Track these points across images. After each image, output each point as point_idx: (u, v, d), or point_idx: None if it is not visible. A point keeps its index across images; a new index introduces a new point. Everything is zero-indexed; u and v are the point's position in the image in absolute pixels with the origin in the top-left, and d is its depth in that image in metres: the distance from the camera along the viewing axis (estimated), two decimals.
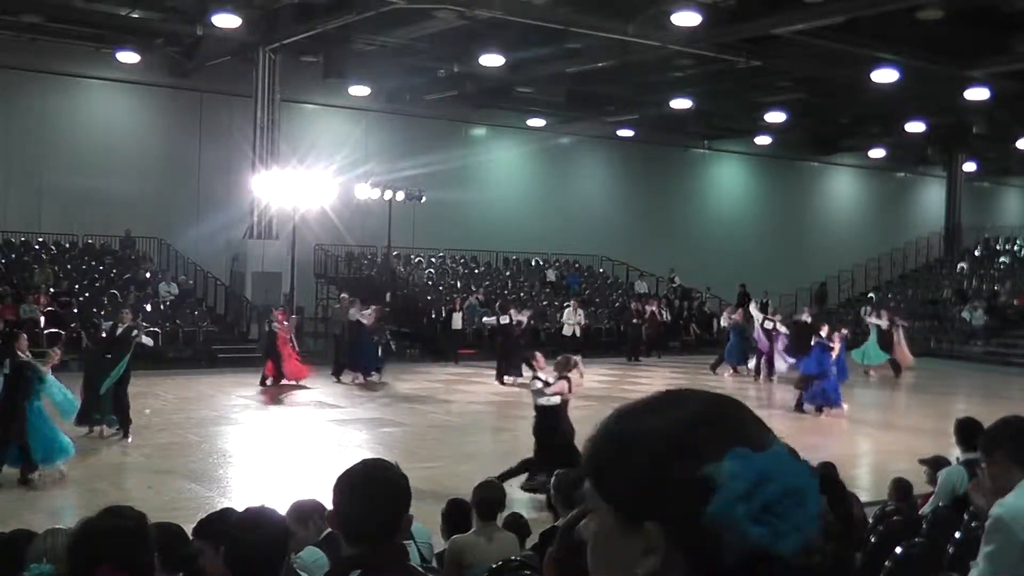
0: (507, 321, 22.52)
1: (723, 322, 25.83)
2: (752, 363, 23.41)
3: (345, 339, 21.74)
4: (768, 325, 22.77)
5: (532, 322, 24.96)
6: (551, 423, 10.99)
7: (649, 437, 1.07)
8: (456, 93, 30.66)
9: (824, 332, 18.40)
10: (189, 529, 5.64)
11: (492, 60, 25.64)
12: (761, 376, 22.86)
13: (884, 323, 25.36)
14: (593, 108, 33.36)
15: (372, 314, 21.64)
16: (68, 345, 22.16)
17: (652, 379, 22.54)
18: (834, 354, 18.02)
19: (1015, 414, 3.44)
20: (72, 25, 25.61)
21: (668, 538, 1.03)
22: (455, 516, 6.51)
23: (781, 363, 22.52)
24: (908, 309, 34.69)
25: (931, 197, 44.96)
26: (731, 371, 24.02)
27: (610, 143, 37.80)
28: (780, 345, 22.59)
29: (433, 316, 27.89)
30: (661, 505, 1.04)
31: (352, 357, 21.42)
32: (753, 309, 24.09)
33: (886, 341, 25.07)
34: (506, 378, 21.26)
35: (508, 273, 33.85)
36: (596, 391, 21.07)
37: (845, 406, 17.63)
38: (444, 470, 12.04)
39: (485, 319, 23.38)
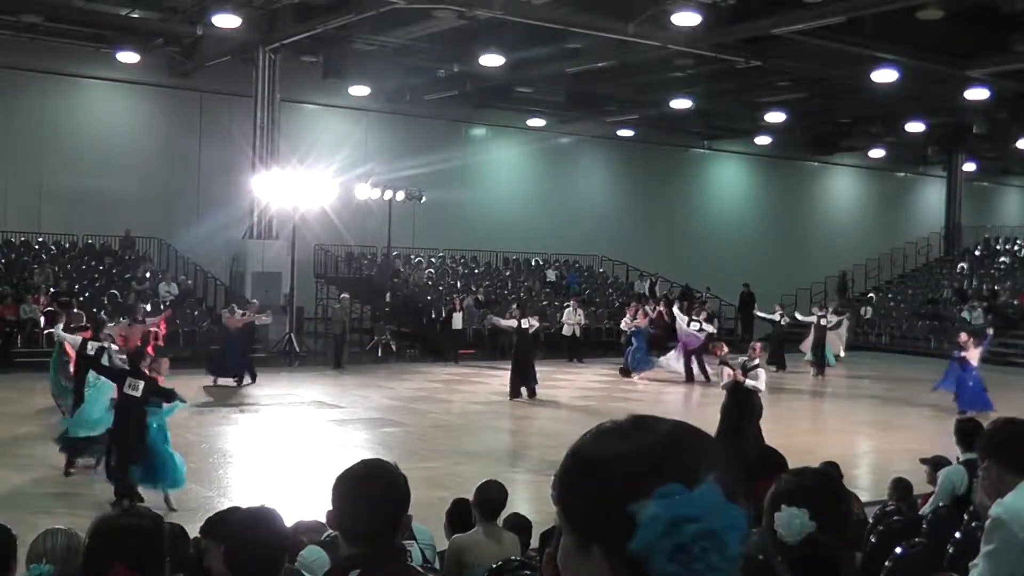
0: (526, 325, 21.79)
1: (623, 326, 24.54)
2: (677, 364, 22.60)
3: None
4: (694, 326, 22.66)
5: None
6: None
7: (598, 466, 1.15)
8: (456, 93, 30.66)
9: (963, 339, 18.43)
10: (189, 529, 5.64)
11: (492, 60, 25.64)
12: (696, 376, 22.30)
13: (813, 319, 25.16)
14: (593, 108, 33.37)
15: (241, 316, 20.74)
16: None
17: (651, 379, 22.55)
18: (974, 360, 17.90)
19: (1009, 418, 3.45)
20: (72, 25, 25.61)
21: (609, 562, 1.11)
22: (457, 516, 6.52)
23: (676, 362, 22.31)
24: (908, 309, 34.75)
25: (931, 197, 44.95)
26: (643, 376, 22.83)
27: (610, 143, 37.80)
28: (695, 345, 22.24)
29: (433, 316, 27.91)
30: (600, 532, 1.13)
31: (221, 362, 20.32)
32: (676, 311, 23.76)
33: (819, 337, 24.86)
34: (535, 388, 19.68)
35: (508, 273, 33.85)
36: (596, 391, 21.08)
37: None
38: (444, 470, 12.04)
39: (501, 321, 22.83)
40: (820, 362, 24.62)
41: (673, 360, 22.59)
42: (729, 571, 1.08)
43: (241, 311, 21.11)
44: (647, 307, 25.21)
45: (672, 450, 1.13)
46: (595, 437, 1.18)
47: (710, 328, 23.03)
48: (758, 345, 13.55)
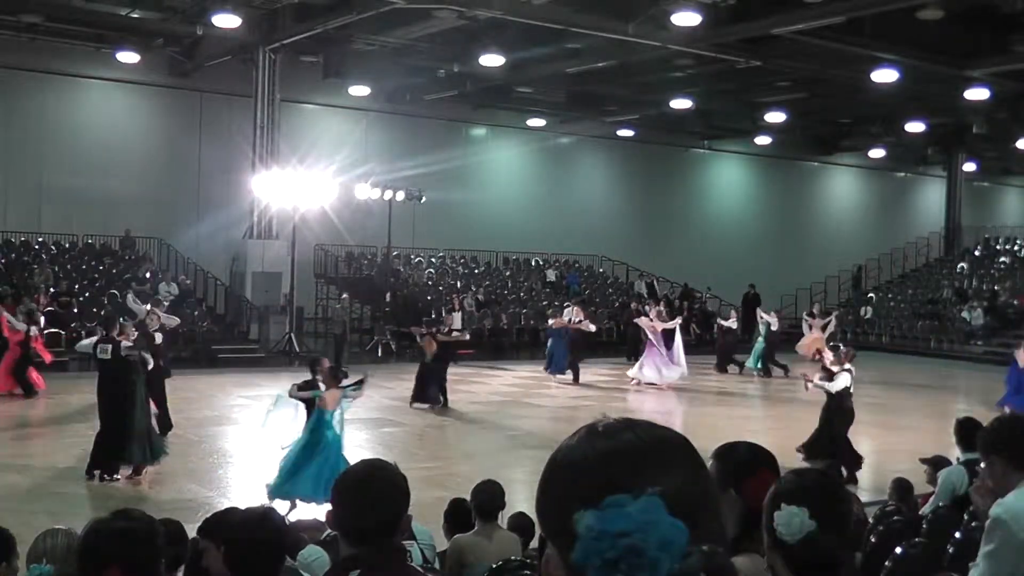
0: (579, 320, 22.05)
1: (551, 323, 23.17)
2: (642, 369, 21.54)
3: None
4: (672, 325, 22.06)
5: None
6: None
7: (564, 470, 1.16)
8: (456, 93, 30.66)
9: None
10: (189, 529, 5.64)
11: (492, 60, 25.64)
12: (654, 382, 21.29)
13: (775, 322, 24.68)
14: (593, 108, 33.37)
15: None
16: (68, 344, 22.24)
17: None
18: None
19: (1010, 414, 3.43)
20: (72, 25, 25.61)
21: (564, 568, 1.12)
22: (457, 516, 6.52)
23: (655, 372, 21.31)
24: (908, 309, 34.75)
25: (931, 197, 44.96)
26: (558, 378, 21.95)
27: (610, 143, 37.80)
28: (660, 350, 21.42)
29: (433, 316, 27.86)
30: (553, 537, 1.15)
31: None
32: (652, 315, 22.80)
33: (772, 342, 24.48)
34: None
35: (508, 273, 33.86)
36: (595, 391, 21.09)
37: None
38: (444, 470, 12.05)
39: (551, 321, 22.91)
40: (765, 366, 24.11)
41: (665, 369, 21.43)
42: None
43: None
44: (646, 307, 25.00)
45: (627, 458, 1.12)
46: (571, 441, 1.19)
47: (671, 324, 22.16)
48: (846, 349, 13.29)
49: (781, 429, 15.63)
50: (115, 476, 11.43)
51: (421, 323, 19.91)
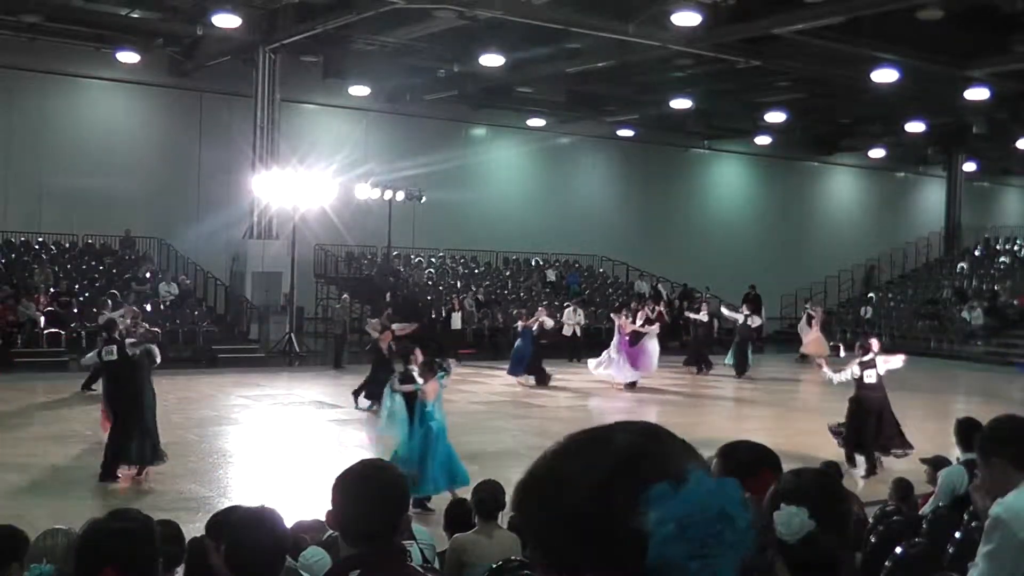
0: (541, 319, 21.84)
1: (519, 324, 22.20)
2: (605, 370, 20.95)
3: None
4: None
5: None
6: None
7: (572, 486, 1.08)
8: (456, 93, 30.66)
9: None
10: (189, 529, 5.64)
11: (492, 60, 25.64)
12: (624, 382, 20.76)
13: (740, 317, 24.30)
14: (593, 108, 33.37)
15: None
16: (68, 344, 22.26)
17: (650, 379, 22.51)
18: None
19: (1009, 414, 3.41)
20: (72, 25, 25.60)
21: None
22: (457, 516, 6.53)
23: (617, 371, 20.66)
24: (908, 309, 34.75)
25: (931, 197, 44.95)
26: (521, 380, 21.17)
27: (610, 143, 37.80)
28: (624, 352, 20.76)
29: (433, 316, 27.90)
30: (597, 558, 1.05)
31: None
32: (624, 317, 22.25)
33: (744, 337, 24.21)
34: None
35: (508, 273, 33.86)
36: (595, 391, 21.07)
37: None
38: None
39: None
40: (741, 364, 23.72)
41: (616, 369, 20.77)
42: (745, 546, 1.05)
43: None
44: (646, 307, 24.92)
45: (647, 455, 1.09)
46: (557, 456, 1.14)
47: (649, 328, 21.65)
48: (872, 340, 13.58)
49: (776, 430, 15.63)
50: (141, 475, 11.47)
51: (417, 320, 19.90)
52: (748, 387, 22.64)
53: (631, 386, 20.66)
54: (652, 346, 21.33)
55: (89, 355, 13.03)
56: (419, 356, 11.07)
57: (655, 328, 21.91)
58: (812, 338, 26.15)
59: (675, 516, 1.03)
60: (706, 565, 1.02)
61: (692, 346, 25.59)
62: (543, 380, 21.18)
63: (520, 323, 22.14)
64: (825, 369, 14.30)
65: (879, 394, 12.96)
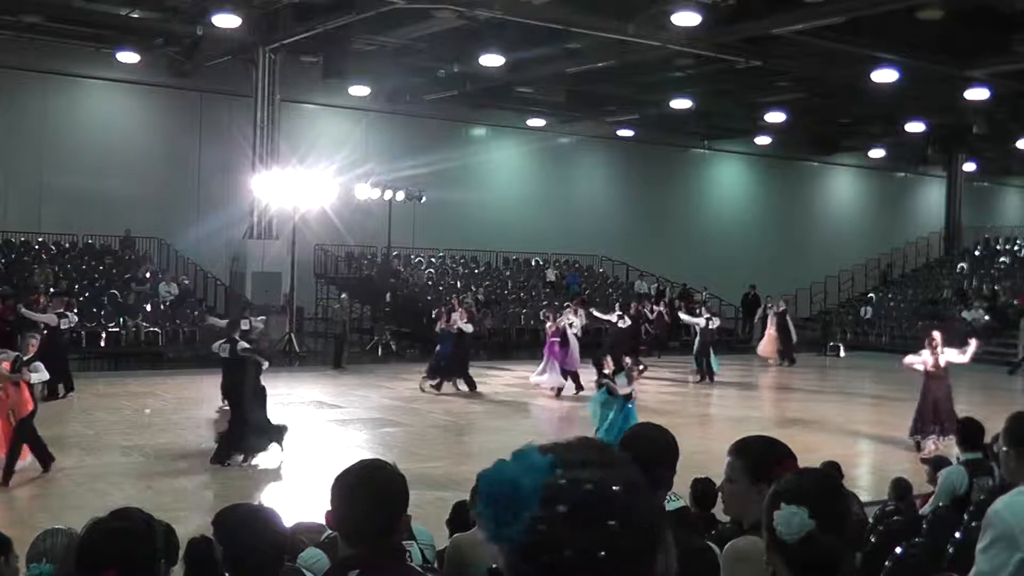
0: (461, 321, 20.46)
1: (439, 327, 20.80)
2: (545, 377, 20.04)
3: None
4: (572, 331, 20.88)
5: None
6: None
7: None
8: (456, 93, 30.66)
9: None
10: (189, 529, 5.64)
11: (492, 60, 25.63)
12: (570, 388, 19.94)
13: (701, 322, 23.70)
14: (593, 108, 33.37)
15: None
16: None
17: (649, 378, 22.49)
18: None
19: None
20: (72, 25, 25.61)
21: None
22: (458, 517, 6.52)
23: (550, 376, 19.83)
24: (908, 309, 34.74)
25: (931, 197, 44.96)
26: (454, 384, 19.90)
27: (610, 143, 37.81)
28: (552, 356, 19.99)
29: (433, 316, 27.85)
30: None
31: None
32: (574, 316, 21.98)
33: (704, 342, 23.42)
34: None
35: (508, 273, 33.86)
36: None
37: None
38: (444, 470, 12.04)
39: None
40: (705, 368, 23.04)
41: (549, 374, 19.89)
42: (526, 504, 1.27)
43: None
44: (643, 306, 24.81)
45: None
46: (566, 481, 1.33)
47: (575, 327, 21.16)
48: (935, 333, 15.05)
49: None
50: (246, 462, 12.37)
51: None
52: (716, 392, 22.65)
53: (558, 392, 19.70)
54: (575, 342, 20.60)
55: (215, 344, 14.16)
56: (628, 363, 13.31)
57: (577, 320, 21.92)
58: (765, 338, 26.31)
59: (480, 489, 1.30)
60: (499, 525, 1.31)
61: (695, 353, 24.96)
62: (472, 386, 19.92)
63: (440, 324, 20.68)
64: (910, 357, 15.12)
65: (942, 383, 14.13)
